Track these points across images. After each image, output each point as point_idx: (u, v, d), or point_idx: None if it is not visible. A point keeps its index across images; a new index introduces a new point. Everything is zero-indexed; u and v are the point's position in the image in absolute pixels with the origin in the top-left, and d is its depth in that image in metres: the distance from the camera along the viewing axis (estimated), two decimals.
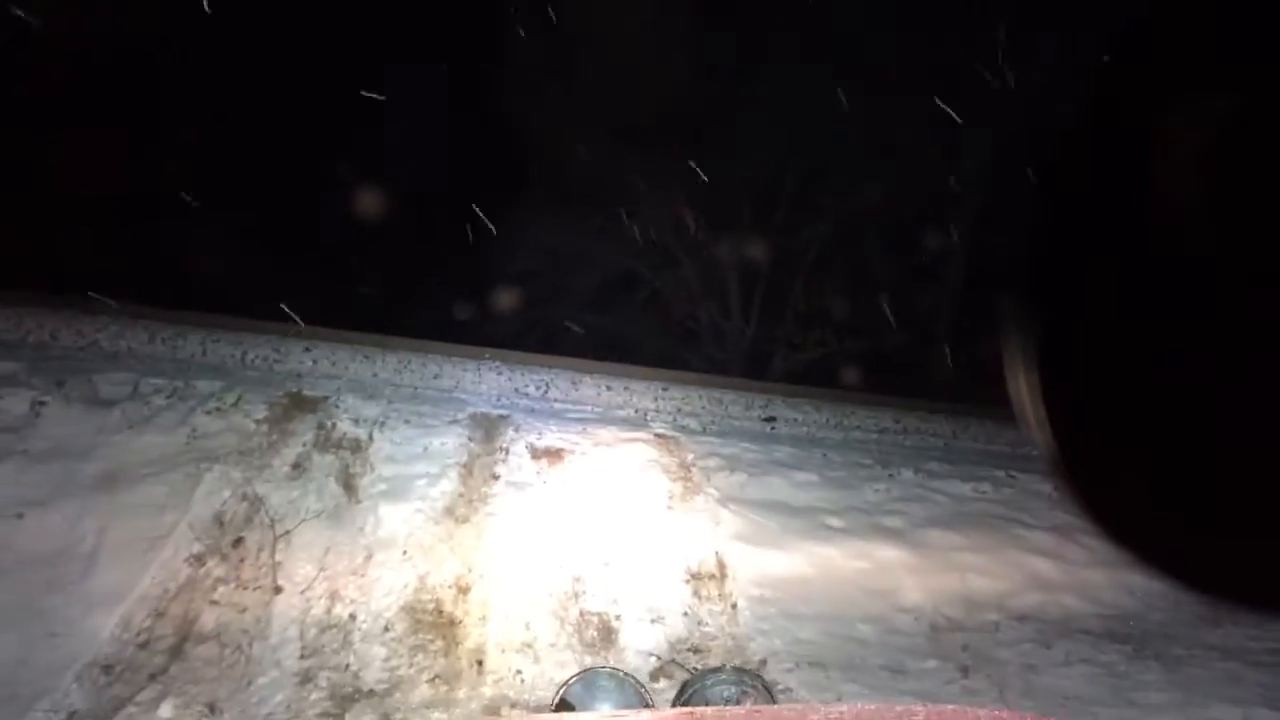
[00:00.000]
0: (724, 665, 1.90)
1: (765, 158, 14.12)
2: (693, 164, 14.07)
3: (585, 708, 1.59)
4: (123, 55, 12.13)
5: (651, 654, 4.56)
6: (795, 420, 8.08)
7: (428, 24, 14.24)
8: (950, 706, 1.11)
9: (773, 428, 7.82)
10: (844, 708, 1.12)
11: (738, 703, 1.60)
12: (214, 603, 4.57)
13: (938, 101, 13.18)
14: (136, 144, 12.18)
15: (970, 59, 12.66)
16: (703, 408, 7.98)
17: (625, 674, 1.71)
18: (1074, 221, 0.56)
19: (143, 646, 4.29)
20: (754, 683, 1.69)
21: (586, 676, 1.69)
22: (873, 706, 1.12)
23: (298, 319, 7.96)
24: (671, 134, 14.11)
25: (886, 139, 13.56)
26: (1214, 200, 0.50)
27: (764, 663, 4.52)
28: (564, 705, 1.60)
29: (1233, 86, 0.48)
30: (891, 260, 14.40)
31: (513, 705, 3.99)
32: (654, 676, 4.34)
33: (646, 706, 1.62)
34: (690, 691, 1.66)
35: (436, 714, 3.91)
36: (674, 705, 1.66)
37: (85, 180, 11.44)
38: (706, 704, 1.60)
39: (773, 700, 1.66)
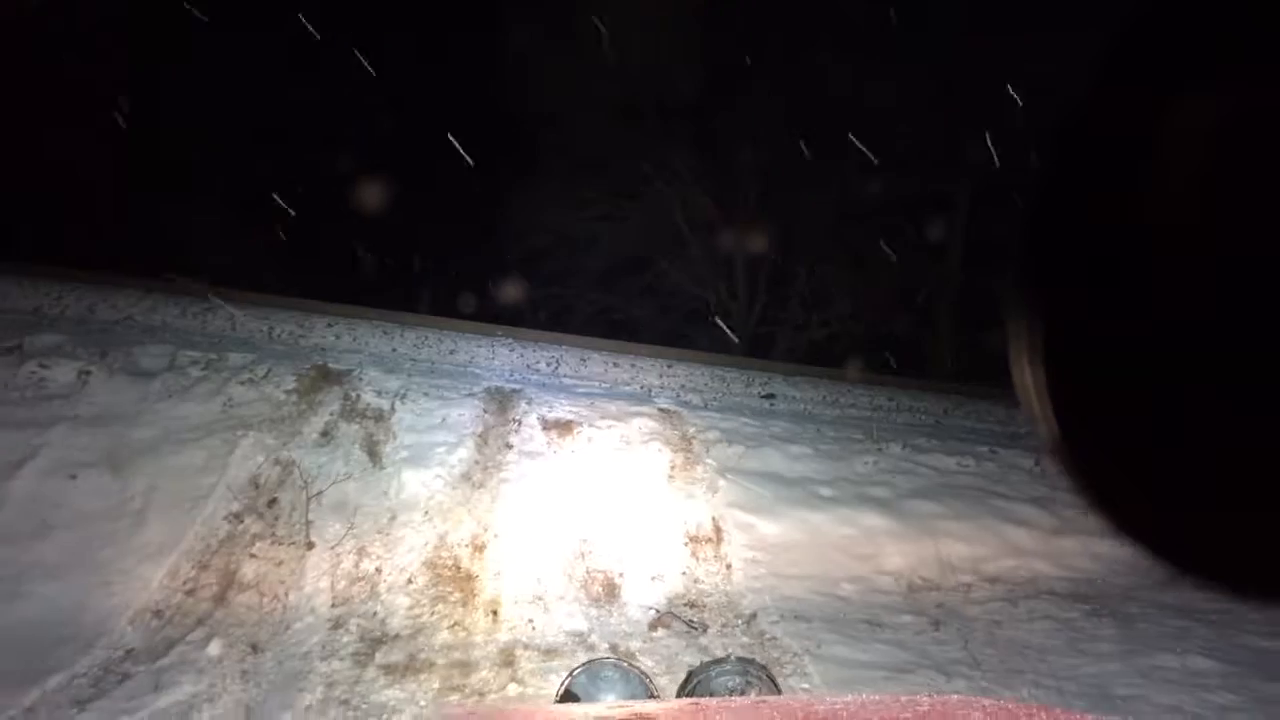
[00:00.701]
0: (729, 655, 1.86)
1: (770, 142, 14.34)
2: (703, 146, 14.40)
3: (590, 699, 1.59)
4: (141, 39, 12.46)
5: (651, 608, 4.98)
6: (793, 397, 8.47)
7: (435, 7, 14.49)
8: (955, 696, 1.11)
9: (771, 404, 8.21)
10: (849, 698, 1.10)
11: (742, 693, 1.60)
12: (253, 556, 5.00)
13: (940, 87, 13.46)
14: (152, 131, 12.50)
15: (972, 46, 12.87)
16: (705, 384, 8.37)
17: (630, 665, 1.69)
18: (1077, 214, 0.56)
19: (190, 594, 4.73)
20: (759, 673, 1.68)
21: (591, 667, 1.68)
22: (878, 697, 1.12)
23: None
24: (679, 118, 14.39)
25: (890, 124, 13.79)
26: (1218, 194, 0.49)
27: (754, 616, 4.94)
28: (569, 696, 1.60)
29: (1237, 81, 0.48)
30: (893, 244, 14.59)
31: (525, 648, 4.42)
32: (652, 627, 4.77)
33: (651, 697, 1.60)
34: (695, 682, 1.67)
35: (456, 652, 4.33)
36: (678, 696, 1.67)
37: (110, 160, 11.85)
38: (711, 694, 1.61)
39: (777, 691, 1.66)
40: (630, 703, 1.52)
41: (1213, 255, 0.50)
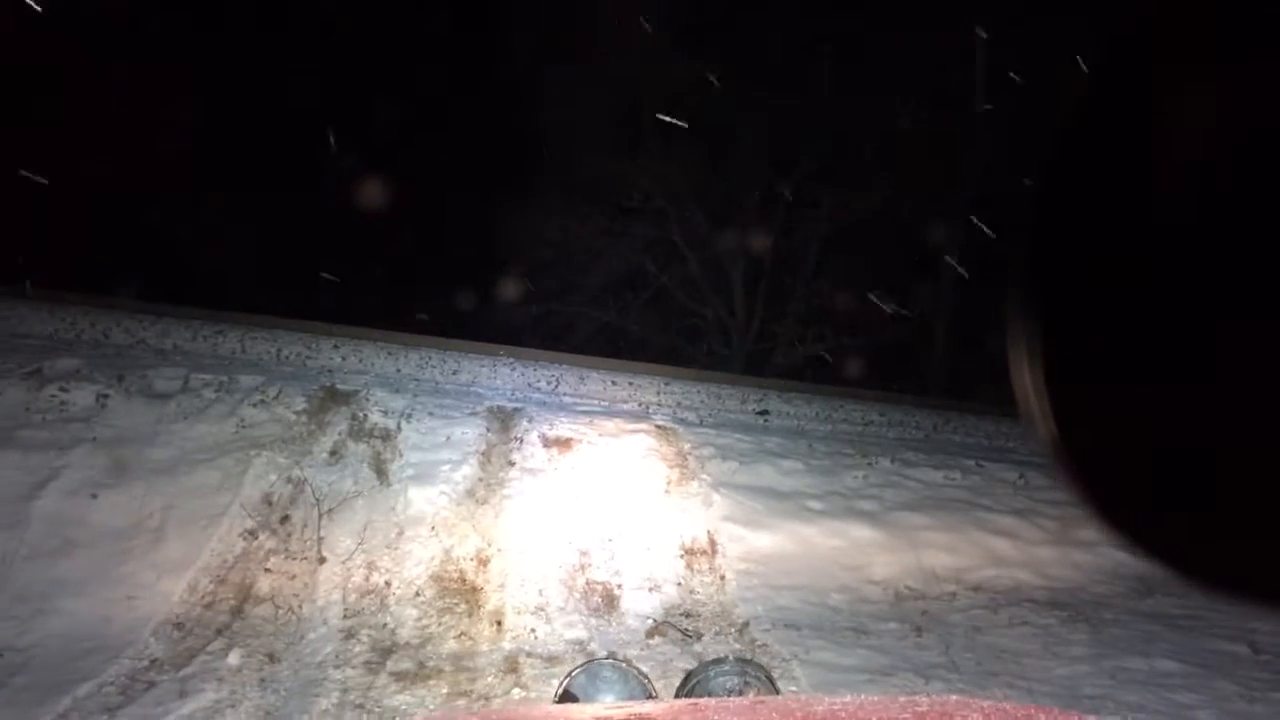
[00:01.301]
0: (727, 656, 1.85)
1: (767, 157, 14.57)
2: (702, 162, 14.62)
3: (589, 699, 1.59)
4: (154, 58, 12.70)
5: (648, 617, 5.22)
6: (787, 413, 8.71)
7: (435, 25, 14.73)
8: (954, 697, 1.09)
9: (765, 420, 8.45)
10: (847, 698, 1.11)
11: (740, 694, 1.60)
12: (267, 571, 5.24)
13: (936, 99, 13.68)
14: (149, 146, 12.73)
15: (970, 55, 13.09)
16: (701, 402, 8.63)
17: (629, 665, 1.70)
18: (1077, 214, 0.56)
19: (208, 607, 4.96)
20: (757, 674, 1.68)
21: (590, 668, 1.68)
22: (876, 698, 1.11)
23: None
24: (676, 134, 14.61)
25: (887, 137, 14.04)
26: (1218, 191, 0.49)
27: (747, 624, 5.17)
28: (568, 696, 1.61)
29: (1236, 77, 0.48)
30: (890, 258, 14.77)
31: (528, 656, 4.65)
32: (649, 635, 5.00)
33: (650, 698, 1.61)
34: (693, 682, 1.67)
35: (462, 660, 4.57)
36: (677, 696, 1.67)
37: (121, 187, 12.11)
38: (710, 695, 1.61)
39: (776, 691, 1.66)
40: (628, 703, 1.53)
41: (1214, 255, 0.50)
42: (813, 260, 15.31)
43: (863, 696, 1.11)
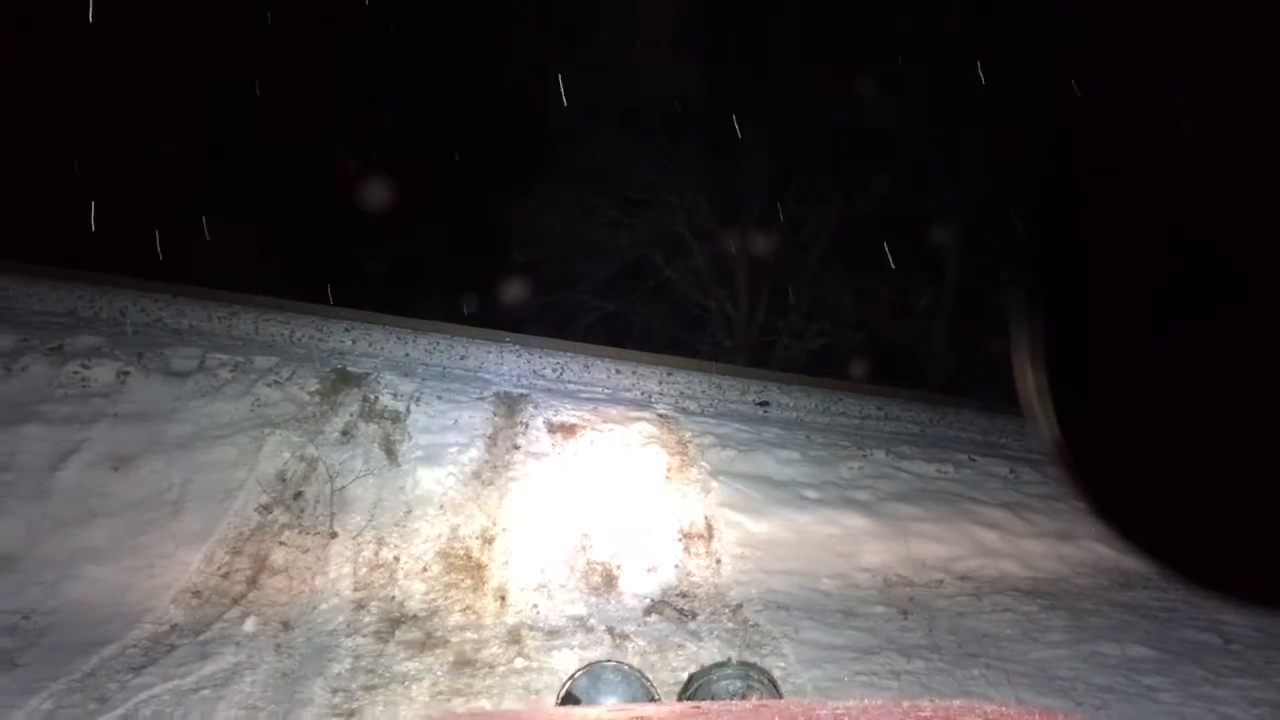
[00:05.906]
0: (729, 659, 1.76)
1: (773, 153, 14.72)
2: (708, 156, 14.78)
3: (591, 701, 1.58)
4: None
5: (646, 597, 5.43)
6: (786, 405, 8.91)
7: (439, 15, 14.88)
8: (957, 701, 1.07)
9: (765, 411, 8.65)
10: (851, 703, 1.08)
11: (743, 697, 1.59)
12: (281, 544, 5.45)
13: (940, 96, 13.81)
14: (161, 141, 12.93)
15: (971, 55, 13.22)
16: (703, 391, 8.83)
17: (631, 668, 1.68)
18: (1078, 215, 0.56)
19: (225, 577, 5.18)
20: (760, 677, 1.65)
21: (592, 670, 1.66)
22: (879, 702, 1.10)
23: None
24: (683, 128, 14.79)
25: (890, 135, 14.18)
26: (1218, 192, 0.49)
27: (740, 606, 5.38)
28: (569, 699, 1.60)
29: (1236, 77, 0.48)
30: (892, 254, 14.93)
31: (531, 629, 4.86)
32: (646, 613, 5.21)
33: (652, 700, 1.60)
34: (696, 685, 1.66)
35: (468, 632, 4.78)
36: (679, 699, 1.65)
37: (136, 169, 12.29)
38: (712, 698, 1.60)
39: (779, 695, 1.65)
40: (631, 706, 1.51)
41: (1213, 255, 0.50)
42: (817, 255, 15.47)
43: (866, 701, 1.09)
